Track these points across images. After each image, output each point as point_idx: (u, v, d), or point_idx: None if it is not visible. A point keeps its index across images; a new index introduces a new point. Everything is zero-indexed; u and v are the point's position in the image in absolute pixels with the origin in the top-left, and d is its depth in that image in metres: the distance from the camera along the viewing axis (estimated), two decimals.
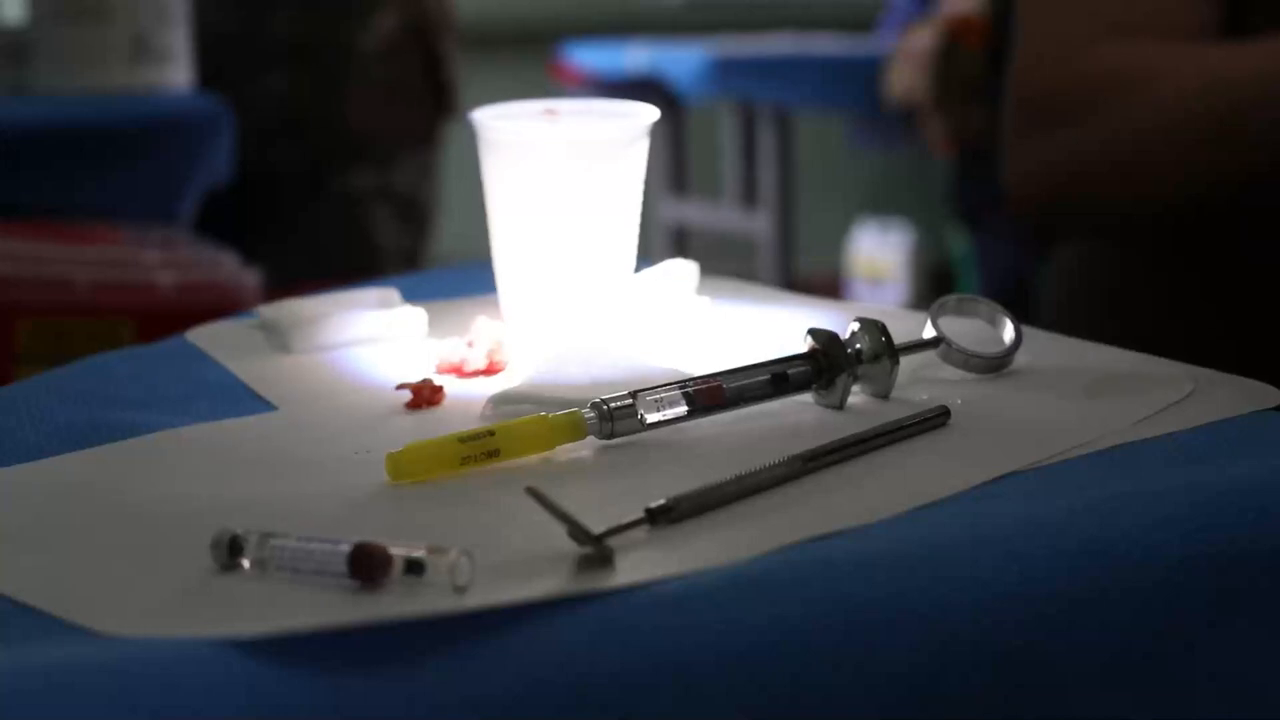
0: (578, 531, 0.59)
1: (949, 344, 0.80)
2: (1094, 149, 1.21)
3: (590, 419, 0.71)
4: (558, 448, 0.71)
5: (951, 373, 0.80)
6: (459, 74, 2.24)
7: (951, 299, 0.84)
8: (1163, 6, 1.22)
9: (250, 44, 1.98)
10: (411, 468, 0.68)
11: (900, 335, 0.79)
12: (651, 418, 0.72)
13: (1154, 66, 1.19)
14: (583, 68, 3.59)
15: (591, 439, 0.72)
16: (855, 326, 0.78)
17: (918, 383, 0.79)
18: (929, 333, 0.81)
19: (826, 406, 0.77)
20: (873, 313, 0.80)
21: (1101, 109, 1.21)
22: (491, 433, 0.70)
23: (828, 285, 4.14)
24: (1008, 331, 0.82)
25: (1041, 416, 0.75)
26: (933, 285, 4.35)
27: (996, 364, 0.81)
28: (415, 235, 2.24)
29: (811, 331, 0.77)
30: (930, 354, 0.81)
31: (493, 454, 0.69)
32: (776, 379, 0.76)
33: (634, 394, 0.73)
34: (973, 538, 0.60)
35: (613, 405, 0.72)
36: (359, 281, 1.01)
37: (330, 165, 2.14)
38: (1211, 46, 1.20)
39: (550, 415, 0.71)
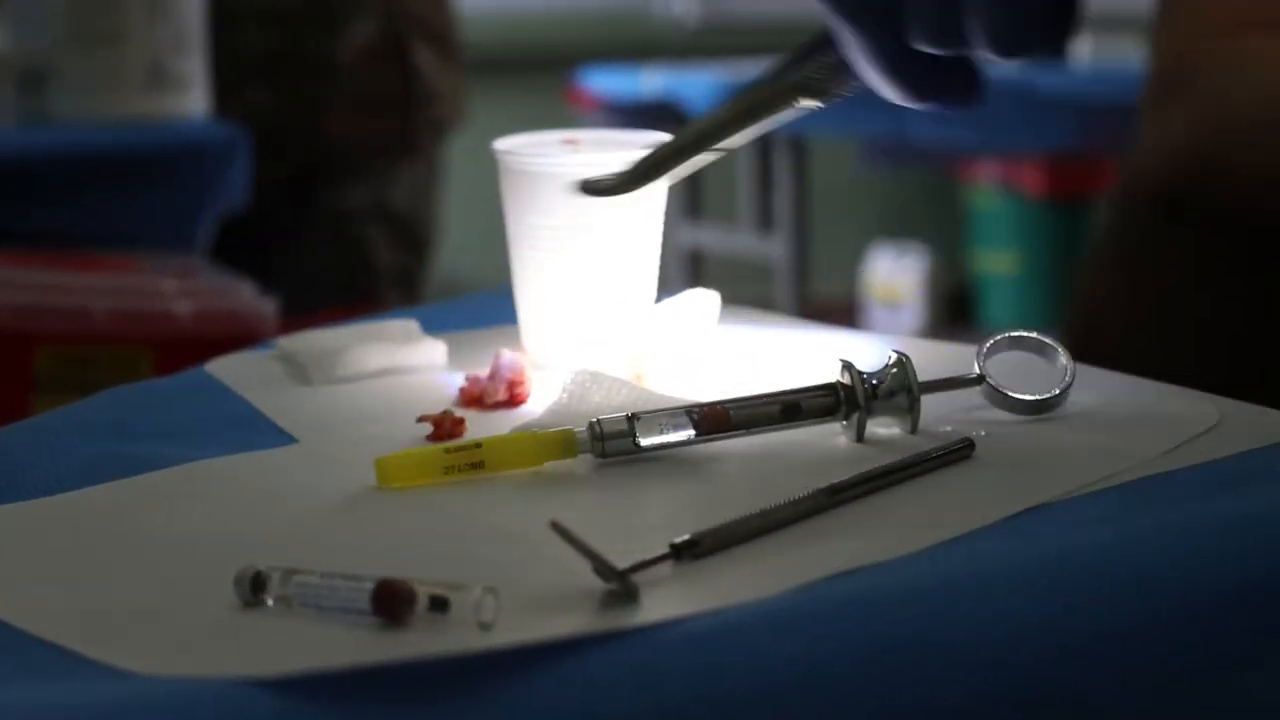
0: (603, 567, 0.58)
1: (990, 384, 0.79)
2: (1235, 113, 1.21)
3: (582, 437, 0.72)
4: (586, 473, 0.71)
5: (995, 410, 0.79)
6: (453, 84, 2.23)
7: (1010, 336, 0.81)
8: None
9: (223, 58, 1.96)
10: (397, 473, 0.71)
11: (951, 370, 0.78)
12: (649, 440, 0.72)
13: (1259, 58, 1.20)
14: (598, 92, 3.59)
15: (612, 462, 0.71)
16: (888, 359, 0.77)
17: (955, 418, 0.78)
18: (974, 370, 0.79)
19: (850, 439, 0.77)
20: (919, 347, 0.79)
21: (1237, 87, 1.21)
22: (478, 444, 0.70)
23: (844, 309, 4.13)
24: (1062, 373, 0.80)
25: (1066, 448, 0.74)
26: (949, 309, 4.34)
27: (1038, 407, 0.78)
28: (413, 257, 2.21)
29: (840, 362, 0.77)
30: (975, 390, 0.79)
31: (477, 465, 0.71)
32: (788, 408, 0.76)
33: (632, 416, 0.73)
34: (1001, 571, 0.60)
35: (606, 426, 0.72)
36: (359, 305, 1.01)
37: (315, 182, 2.12)
38: None
39: (539, 432, 0.72)
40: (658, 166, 0.82)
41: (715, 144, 0.81)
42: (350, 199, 2.14)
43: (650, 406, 0.76)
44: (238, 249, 1.93)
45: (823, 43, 0.76)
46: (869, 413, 0.76)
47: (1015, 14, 0.70)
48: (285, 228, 2.10)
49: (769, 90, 0.78)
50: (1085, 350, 0.84)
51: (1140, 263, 1.37)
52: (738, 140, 0.81)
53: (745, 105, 0.79)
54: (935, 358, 0.79)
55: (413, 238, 2.20)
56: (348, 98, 2.13)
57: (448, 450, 0.71)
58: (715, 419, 0.74)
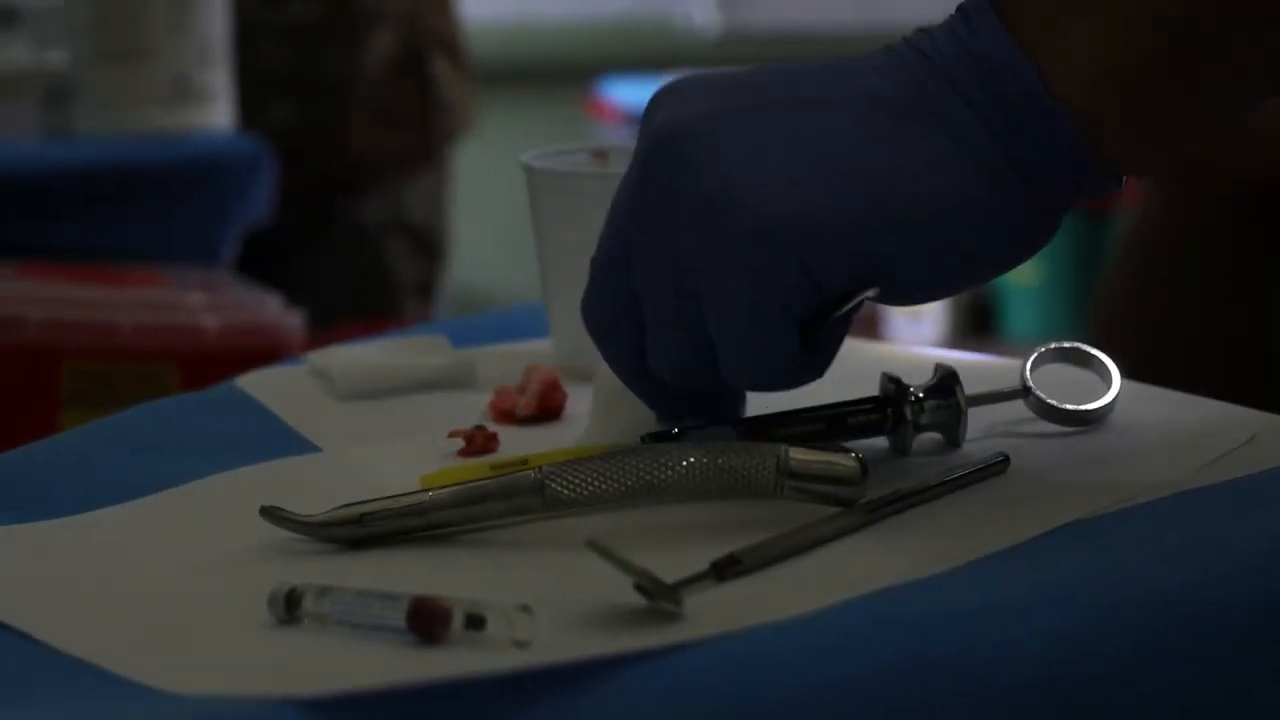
0: (647, 583, 0.58)
1: (1037, 396, 0.79)
2: None
3: None
4: None
5: (1044, 424, 0.79)
6: (465, 95, 2.22)
7: (1055, 348, 0.81)
8: None
9: (244, 74, 1.96)
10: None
11: (997, 384, 0.78)
12: None
13: None
14: (618, 103, 3.59)
15: None
16: (932, 373, 0.77)
17: (998, 432, 0.78)
18: (1019, 383, 0.79)
19: (895, 452, 0.76)
20: (960, 360, 0.79)
21: None
22: (524, 460, 0.70)
23: (866, 320, 4.12)
24: (1111, 384, 0.79)
25: (1101, 463, 0.74)
26: (971, 319, 4.33)
27: (1085, 418, 0.78)
28: (430, 267, 2.22)
29: (884, 376, 0.77)
30: (1021, 403, 0.79)
31: None
32: (834, 423, 0.75)
33: (682, 429, 0.73)
34: (1036, 589, 0.60)
35: (656, 441, 0.71)
36: (379, 316, 1.01)
37: (334, 196, 2.12)
38: None
39: (589, 446, 0.72)
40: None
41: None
42: (369, 211, 2.15)
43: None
44: (257, 262, 1.93)
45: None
46: (917, 428, 0.76)
47: (759, 376, 0.70)
48: (305, 241, 2.11)
49: None
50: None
51: (1180, 272, 1.37)
52: None
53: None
54: (965, 368, 0.79)
55: (430, 247, 2.21)
56: (369, 111, 2.14)
57: (494, 467, 0.71)
58: (760, 435, 0.74)
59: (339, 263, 2.13)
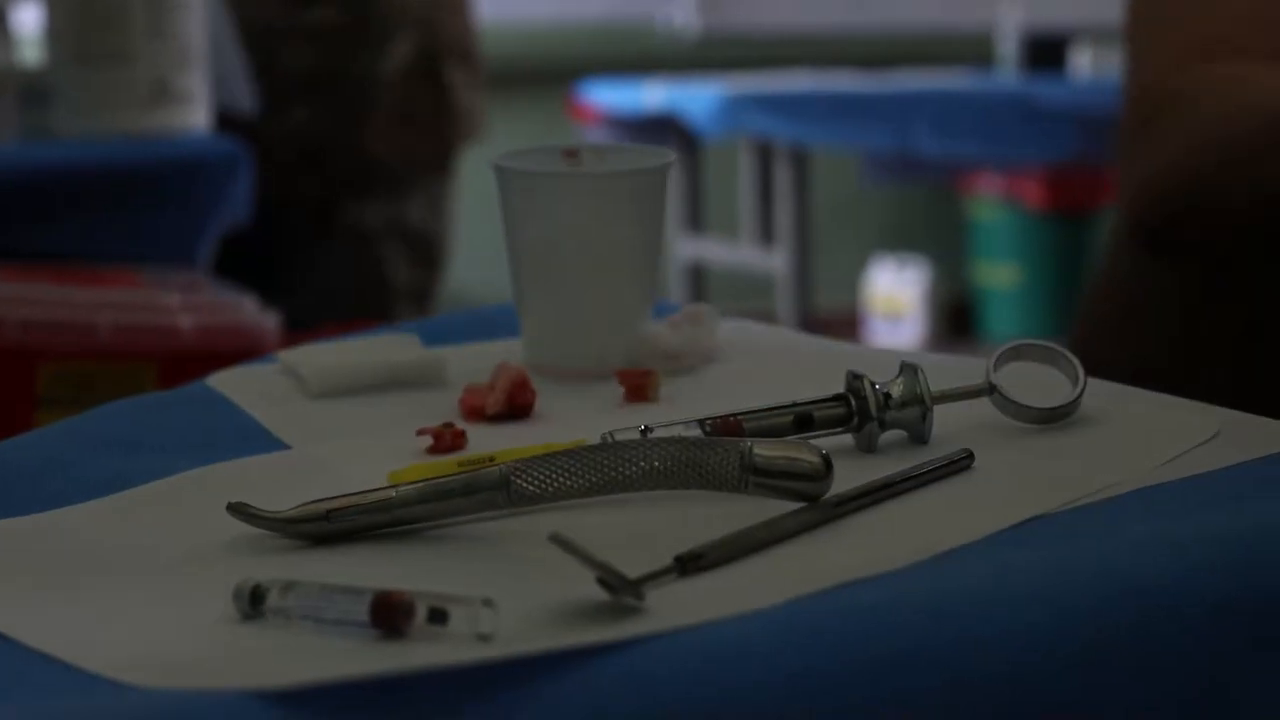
0: (609, 577, 0.58)
1: (1001, 393, 0.79)
2: (1197, 145, 1.22)
3: None
4: None
5: (1009, 421, 0.79)
6: (476, 101, 2.23)
7: (1020, 345, 0.81)
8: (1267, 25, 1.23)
9: (265, 76, 1.97)
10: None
11: (961, 381, 0.78)
12: None
13: (1232, 83, 1.20)
14: (600, 105, 3.59)
15: None
16: (897, 371, 0.77)
17: (967, 428, 0.78)
18: (985, 380, 0.79)
19: (861, 449, 0.77)
20: (930, 359, 0.79)
21: (1201, 114, 1.22)
22: (492, 458, 0.70)
23: (846, 322, 4.13)
24: (1075, 381, 0.79)
25: (1065, 459, 0.74)
26: (950, 321, 4.34)
27: (1049, 416, 0.78)
28: (428, 273, 2.21)
29: (850, 374, 0.77)
30: (987, 401, 0.79)
31: None
32: (801, 419, 0.76)
33: (646, 428, 0.73)
34: (1003, 582, 0.60)
35: (619, 438, 0.72)
36: (372, 322, 1.01)
37: (340, 199, 2.12)
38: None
39: (554, 444, 0.72)
40: None
41: None
42: (369, 217, 2.14)
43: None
44: (255, 264, 1.94)
45: None
46: (882, 424, 0.76)
47: None
48: (305, 244, 2.11)
49: None
50: (1087, 363, 0.84)
51: (1135, 290, 1.38)
52: None
53: None
54: (934, 367, 0.79)
55: (429, 254, 2.21)
56: (387, 115, 2.14)
57: (461, 464, 0.71)
58: (729, 430, 0.74)
59: (339, 268, 2.13)
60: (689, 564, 0.62)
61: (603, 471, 0.67)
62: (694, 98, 3.40)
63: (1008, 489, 0.71)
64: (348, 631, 0.57)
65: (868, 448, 0.76)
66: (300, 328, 1.60)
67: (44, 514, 0.72)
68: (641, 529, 0.67)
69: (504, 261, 0.92)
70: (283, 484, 0.74)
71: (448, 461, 0.73)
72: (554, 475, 0.67)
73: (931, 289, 4.30)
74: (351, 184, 2.11)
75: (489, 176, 0.91)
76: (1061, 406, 0.78)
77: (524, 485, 0.67)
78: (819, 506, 0.67)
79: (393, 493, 0.67)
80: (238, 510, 0.67)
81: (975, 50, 4.07)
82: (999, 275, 4.23)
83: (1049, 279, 4.10)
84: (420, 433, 0.80)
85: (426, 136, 2.18)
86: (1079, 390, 0.79)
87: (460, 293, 2.82)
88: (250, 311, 1.56)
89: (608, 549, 0.59)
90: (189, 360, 1.43)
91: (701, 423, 0.75)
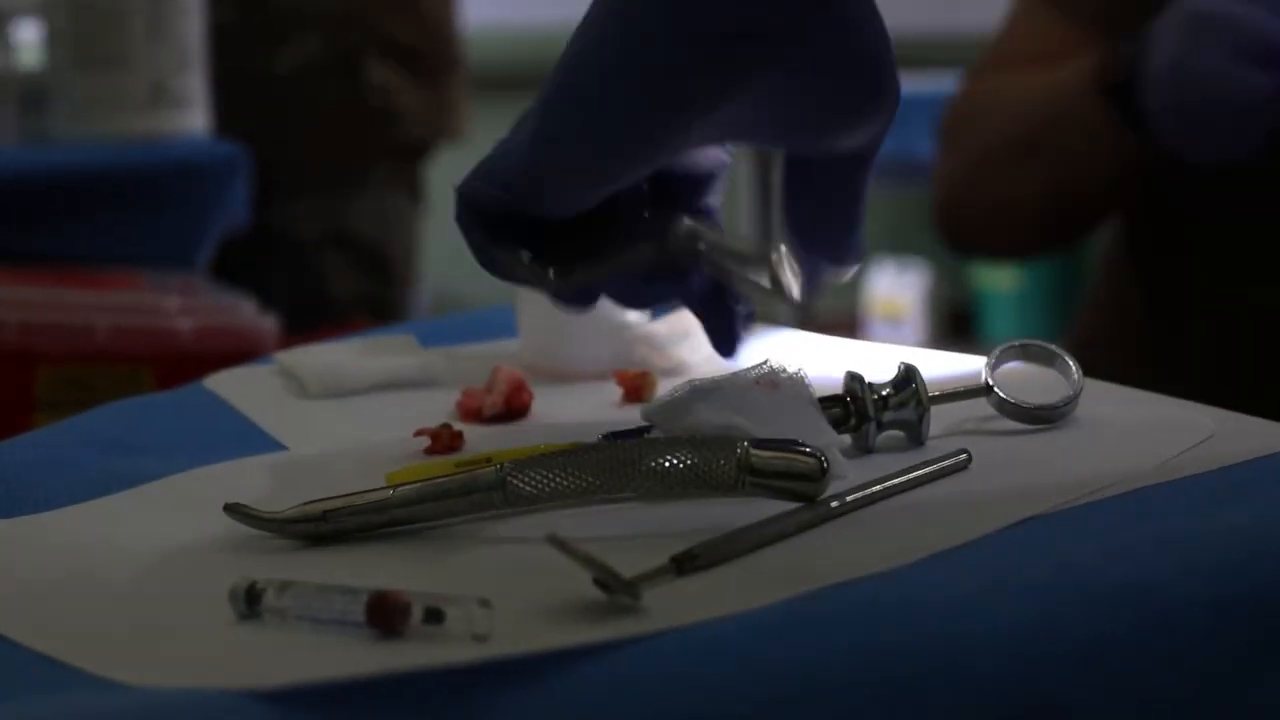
0: (605, 577, 0.58)
1: (999, 393, 0.79)
2: (960, 165, 1.31)
3: None
4: None
5: (1006, 421, 0.79)
6: (419, 102, 2.13)
7: (1018, 345, 0.82)
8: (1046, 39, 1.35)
9: None
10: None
11: (961, 383, 0.78)
12: None
13: (1000, 92, 1.33)
14: None
15: None
16: (895, 371, 0.77)
17: (961, 429, 0.79)
18: (982, 380, 0.79)
19: (858, 449, 0.77)
20: (929, 358, 0.79)
21: (964, 132, 1.39)
22: (489, 459, 0.70)
23: (845, 325, 4.13)
24: (1072, 381, 0.79)
25: (1062, 459, 0.74)
26: (950, 325, 4.34)
27: (1046, 415, 0.78)
28: (381, 284, 2.13)
29: (847, 374, 0.77)
30: (984, 401, 0.79)
31: None
32: None
33: (643, 429, 0.73)
34: (999, 582, 0.60)
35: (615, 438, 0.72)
36: (318, 331, 1.01)
37: (270, 202, 2.01)
38: (1039, 74, 1.28)
39: (551, 445, 0.72)
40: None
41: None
42: (304, 226, 2.09)
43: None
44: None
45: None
46: (879, 424, 0.76)
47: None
48: (241, 252, 2.03)
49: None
50: (1085, 365, 0.84)
51: (1130, 294, 1.39)
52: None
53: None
54: (934, 366, 0.79)
55: (381, 265, 2.13)
56: (290, 115, 2.07)
57: (458, 465, 0.71)
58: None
59: (273, 277, 2.03)
60: (685, 564, 0.61)
61: (599, 472, 0.67)
62: None
63: (1004, 490, 0.71)
64: (344, 631, 0.57)
65: (865, 448, 0.76)
66: None
67: (43, 514, 0.72)
68: (638, 529, 0.67)
69: None
70: (280, 485, 0.74)
71: (445, 462, 0.73)
72: (551, 476, 0.67)
73: (931, 292, 4.31)
74: (266, 189, 1.99)
75: None
76: (1059, 406, 0.78)
77: (521, 486, 0.67)
78: (815, 507, 0.67)
79: (390, 493, 0.67)
80: (234, 510, 0.67)
81: (975, 53, 4.07)
82: (998, 279, 4.23)
83: (1048, 283, 4.10)
84: (418, 434, 0.80)
85: (342, 139, 2.10)
86: (1076, 390, 0.79)
87: (458, 301, 2.82)
88: (248, 313, 1.57)
89: (604, 549, 0.59)
90: (187, 362, 1.44)
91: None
